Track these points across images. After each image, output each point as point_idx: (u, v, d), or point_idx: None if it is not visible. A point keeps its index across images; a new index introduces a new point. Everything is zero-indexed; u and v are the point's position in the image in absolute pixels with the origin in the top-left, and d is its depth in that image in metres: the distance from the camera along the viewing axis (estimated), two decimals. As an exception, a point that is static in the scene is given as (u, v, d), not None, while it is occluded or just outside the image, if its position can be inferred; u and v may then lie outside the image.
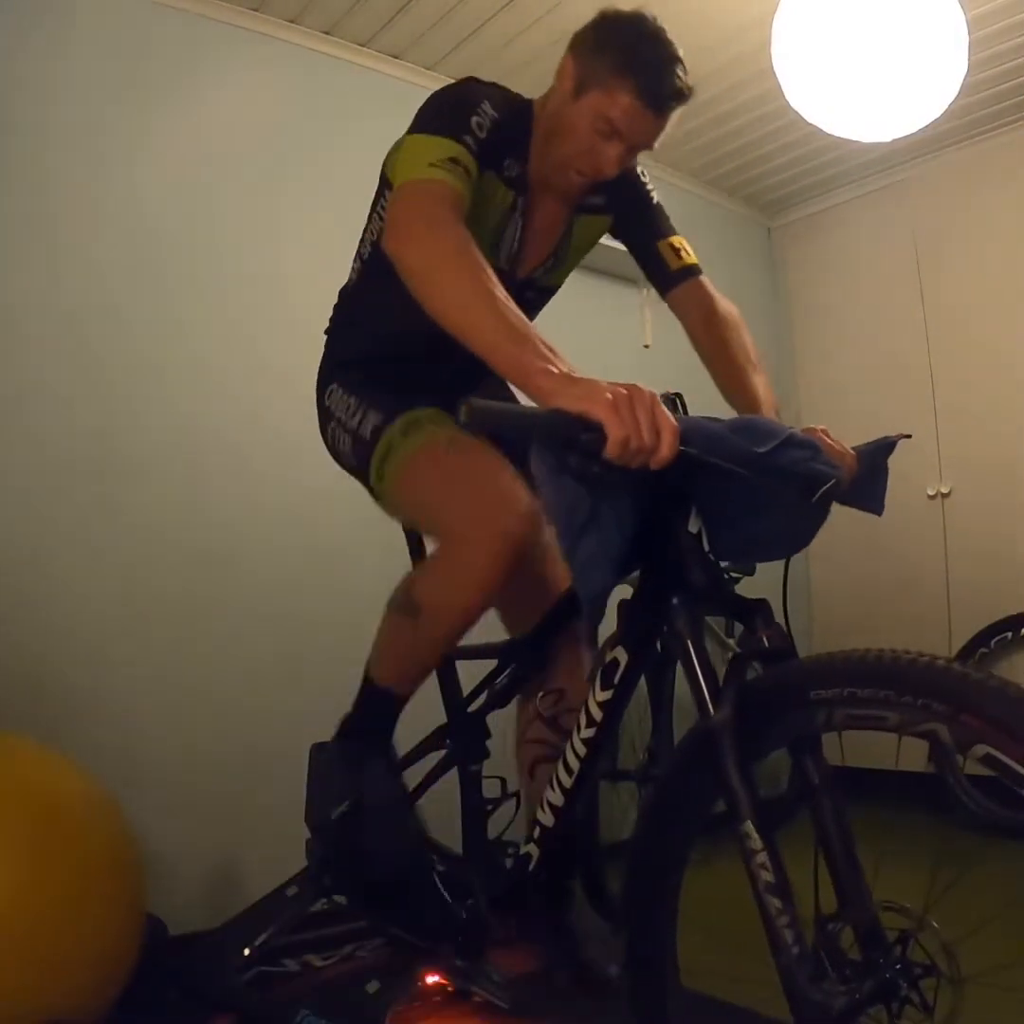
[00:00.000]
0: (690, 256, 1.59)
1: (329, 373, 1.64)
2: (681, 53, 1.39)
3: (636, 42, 1.37)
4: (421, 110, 1.38)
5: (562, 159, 1.44)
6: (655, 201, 1.60)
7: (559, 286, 1.67)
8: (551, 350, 1.06)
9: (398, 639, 1.46)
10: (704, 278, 1.59)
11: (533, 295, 1.61)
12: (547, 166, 1.47)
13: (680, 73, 1.37)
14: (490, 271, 1.16)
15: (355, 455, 1.52)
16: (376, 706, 1.51)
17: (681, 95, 1.38)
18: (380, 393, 1.52)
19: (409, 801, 1.54)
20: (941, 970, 0.90)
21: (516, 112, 1.45)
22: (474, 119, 1.34)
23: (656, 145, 1.44)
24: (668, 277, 1.59)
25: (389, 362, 1.55)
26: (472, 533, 1.30)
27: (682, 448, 0.98)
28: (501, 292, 1.13)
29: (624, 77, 1.35)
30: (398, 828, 1.47)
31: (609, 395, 0.96)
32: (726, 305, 1.58)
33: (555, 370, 1.02)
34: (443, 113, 1.35)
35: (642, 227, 1.60)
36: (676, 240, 1.59)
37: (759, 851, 0.96)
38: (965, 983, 0.88)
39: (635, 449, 0.95)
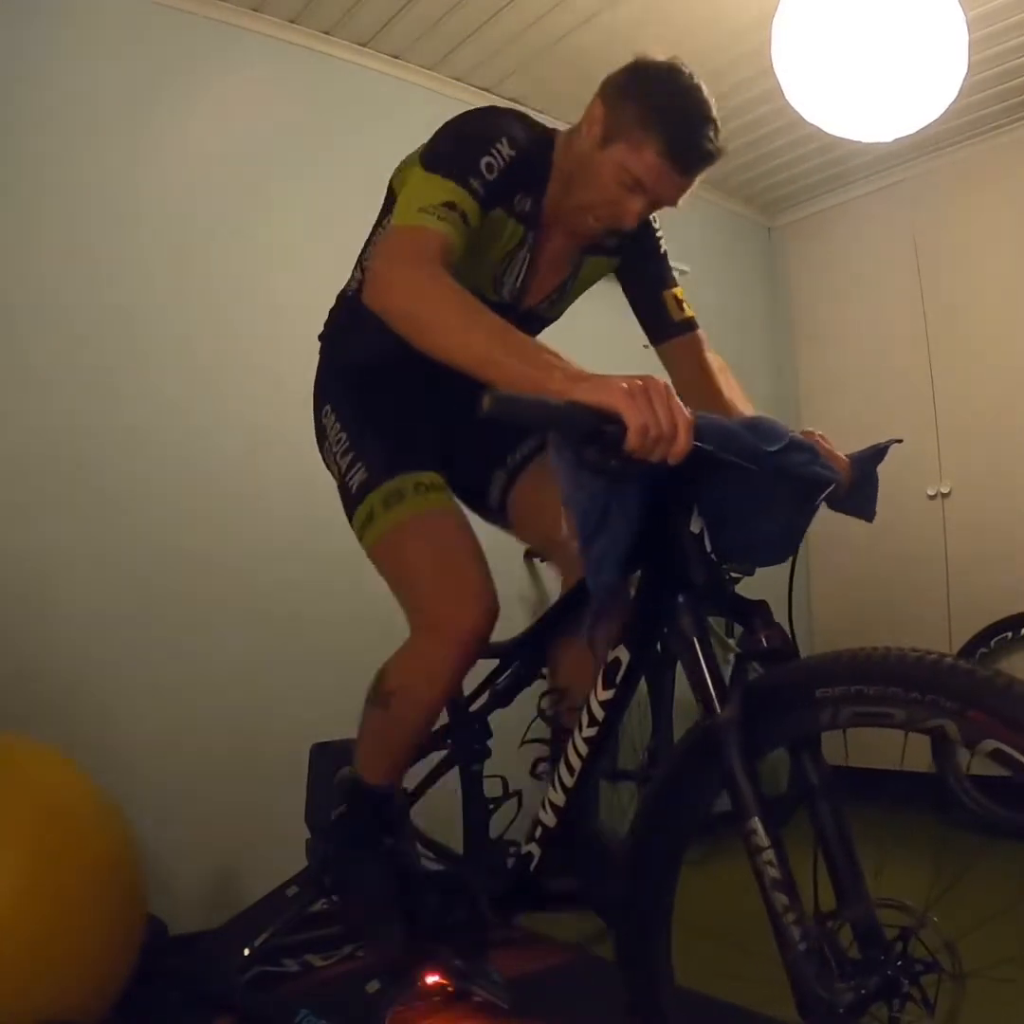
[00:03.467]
0: (690, 309, 1.59)
1: (326, 387, 1.62)
2: (715, 110, 1.37)
3: (669, 97, 1.34)
4: (438, 135, 1.36)
5: (582, 204, 1.42)
6: (663, 250, 1.58)
7: (559, 317, 1.66)
8: (556, 356, 1.07)
9: (374, 728, 1.49)
10: (701, 332, 1.60)
11: (533, 326, 1.60)
12: (565, 207, 1.44)
13: (711, 135, 1.35)
14: (476, 301, 1.16)
15: (342, 494, 1.52)
16: (365, 805, 1.52)
17: (710, 157, 1.36)
18: (370, 438, 1.50)
19: (409, 887, 1.53)
20: (943, 967, 0.90)
21: (536, 147, 1.41)
22: (485, 160, 1.29)
23: (680, 203, 1.42)
24: (669, 327, 1.59)
25: (389, 371, 1.52)
26: (438, 626, 1.36)
27: (697, 443, 0.98)
28: (493, 316, 1.14)
29: (653, 133, 1.32)
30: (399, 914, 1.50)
31: (625, 384, 0.96)
32: (715, 357, 1.60)
33: (564, 371, 1.02)
34: (454, 150, 1.32)
35: (649, 275, 1.59)
36: (679, 291, 1.58)
37: (765, 848, 0.96)
38: (966, 979, 0.89)
39: (654, 438, 0.95)
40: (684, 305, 1.58)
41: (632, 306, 1.63)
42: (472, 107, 1.45)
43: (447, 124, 1.37)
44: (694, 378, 1.58)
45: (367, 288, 1.24)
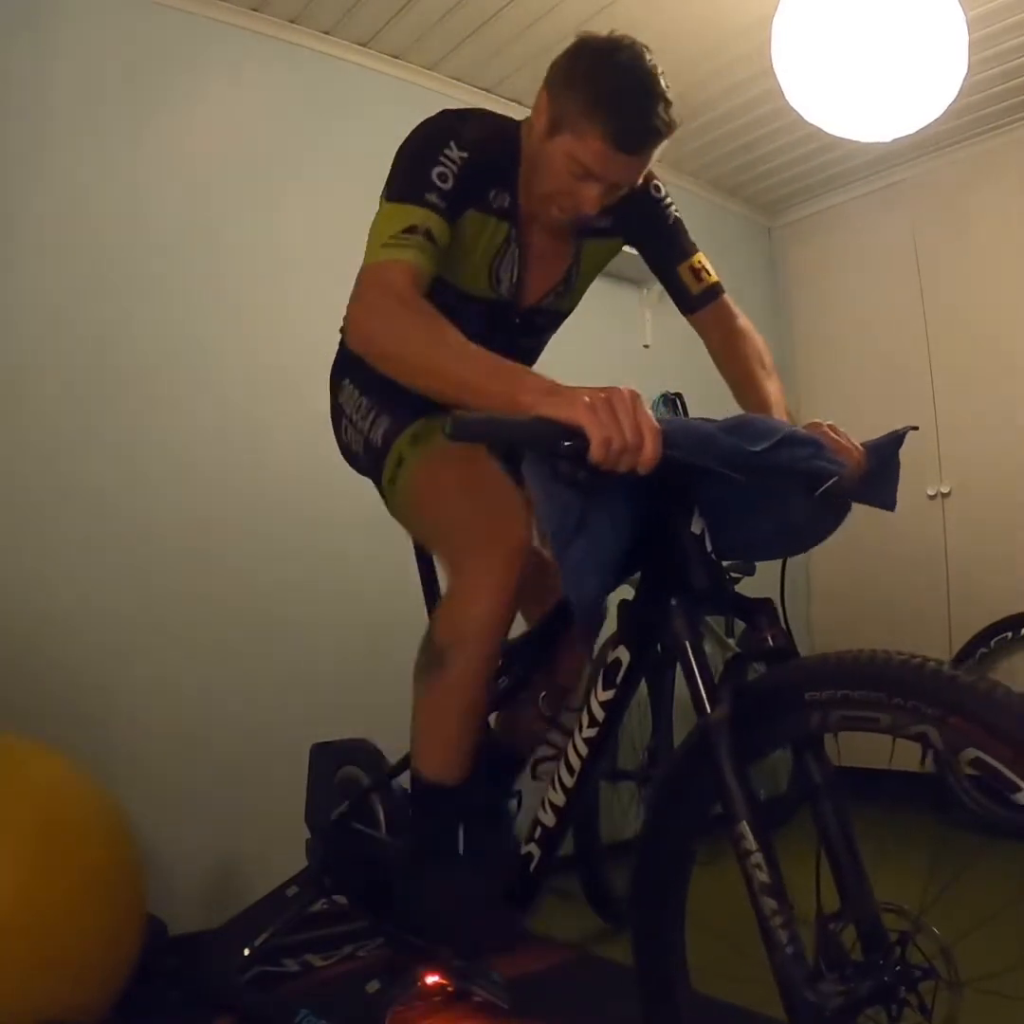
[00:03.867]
0: (710, 276, 1.57)
1: (342, 368, 1.63)
2: (662, 82, 1.31)
3: (609, 79, 1.29)
4: (393, 162, 1.36)
5: (542, 195, 1.40)
6: (672, 219, 1.54)
7: (573, 309, 1.64)
8: (528, 372, 1.09)
9: (433, 707, 1.36)
10: (724, 298, 1.58)
11: (544, 320, 1.60)
12: (532, 197, 1.43)
13: (657, 109, 1.29)
14: (449, 328, 1.17)
15: (367, 458, 1.53)
16: (434, 806, 1.39)
17: (658, 133, 1.31)
18: (391, 395, 1.49)
19: (484, 905, 1.39)
20: (939, 973, 0.90)
21: (497, 140, 1.40)
22: (436, 171, 1.30)
23: (639, 180, 1.40)
24: (691, 301, 1.57)
25: None
26: (482, 549, 1.30)
27: (667, 452, 0.98)
28: (464, 342, 1.15)
29: (593, 120, 1.28)
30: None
31: (587, 398, 0.97)
32: (743, 321, 1.59)
33: (534, 386, 1.03)
34: (403, 173, 1.33)
35: (661, 249, 1.56)
36: (696, 260, 1.56)
37: (754, 852, 0.96)
38: (963, 986, 0.88)
39: (618, 450, 0.96)
40: (702, 273, 1.55)
41: (658, 279, 1.62)
42: (471, 107, 1.45)
43: (400, 147, 1.37)
44: (719, 347, 1.58)
45: (348, 332, 1.27)
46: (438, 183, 1.29)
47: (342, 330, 1.67)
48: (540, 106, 1.36)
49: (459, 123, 1.37)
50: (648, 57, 1.32)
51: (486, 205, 1.41)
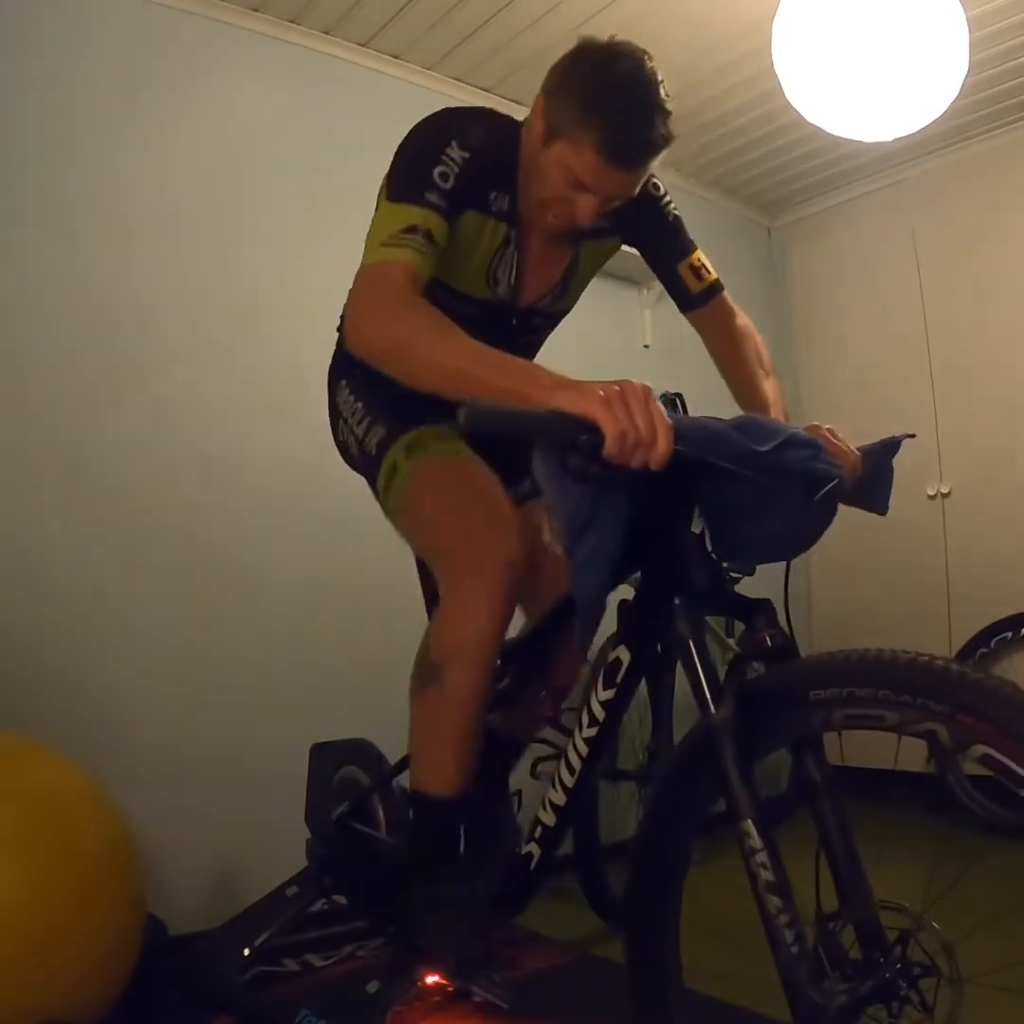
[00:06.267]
0: (710, 274, 1.56)
1: (339, 368, 1.63)
2: (661, 92, 1.27)
3: (606, 89, 1.26)
4: (393, 160, 1.34)
5: (538, 202, 1.39)
6: (671, 218, 1.53)
7: (569, 310, 1.64)
8: (537, 367, 1.08)
9: (431, 722, 1.36)
10: (723, 296, 1.57)
11: (541, 320, 1.60)
12: (528, 202, 1.42)
13: (654, 122, 1.26)
14: (451, 324, 1.16)
15: (362, 463, 1.52)
16: (435, 819, 1.38)
17: (654, 147, 1.28)
18: (386, 402, 1.50)
19: (483, 919, 1.41)
20: (940, 970, 0.90)
21: (499, 141, 1.38)
22: (437, 170, 1.28)
23: (636, 191, 1.38)
24: (691, 299, 1.57)
25: None
26: (475, 566, 1.31)
27: (678, 448, 0.98)
28: (468, 339, 1.13)
29: (587, 131, 1.25)
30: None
31: (602, 392, 0.96)
32: (743, 318, 1.58)
33: (545, 380, 1.02)
34: (404, 171, 1.31)
35: (660, 248, 1.56)
36: (695, 259, 1.55)
37: (759, 850, 0.96)
38: (965, 983, 0.88)
39: (633, 443, 0.95)
40: (702, 272, 1.55)
41: (658, 278, 1.61)
42: (472, 106, 1.45)
43: (400, 144, 1.35)
44: (719, 346, 1.58)
45: (346, 336, 1.25)
46: (439, 182, 1.28)
47: (339, 329, 1.68)
48: (537, 111, 1.34)
49: (461, 122, 1.36)
50: (648, 65, 1.29)
51: (486, 206, 1.40)
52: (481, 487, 1.39)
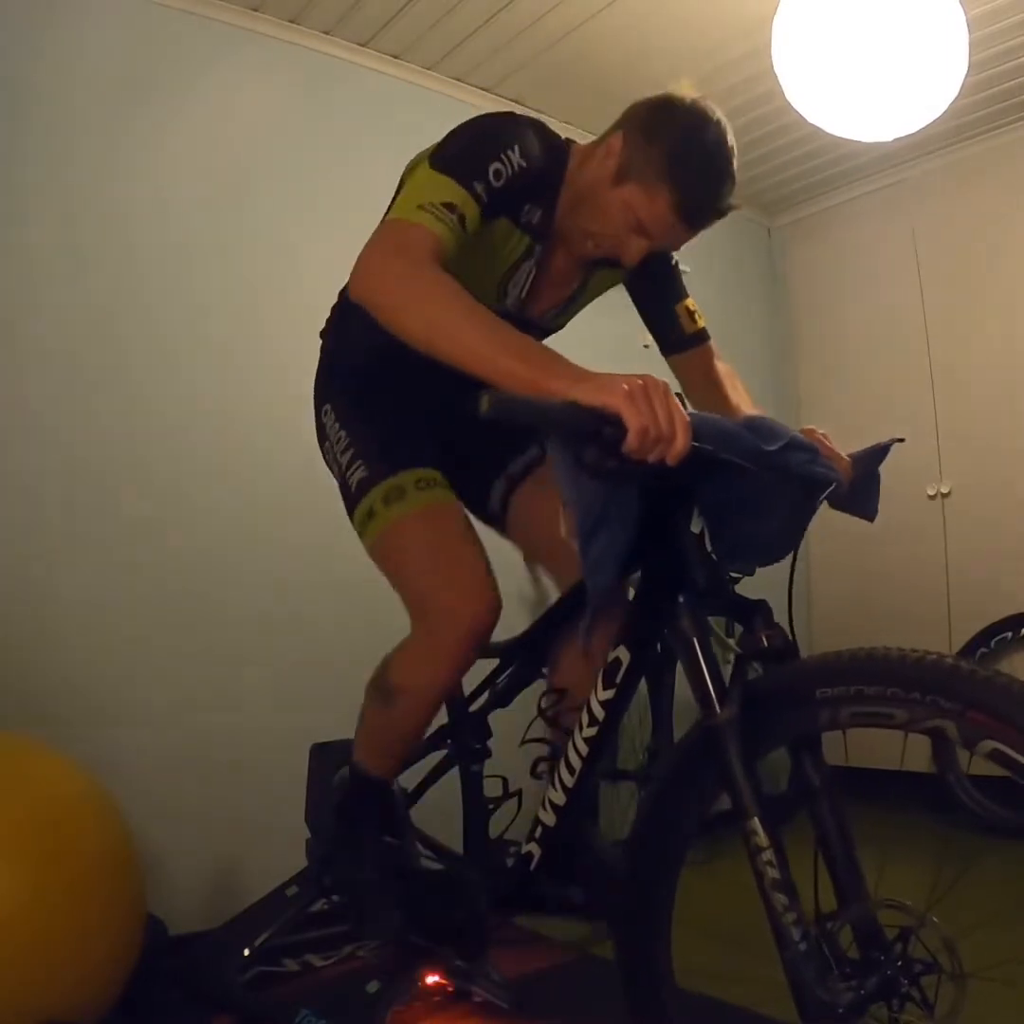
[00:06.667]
0: (701, 319, 1.59)
1: (325, 386, 1.61)
2: (735, 164, 1.34)
3: (691, 148, 1.30)
4: (451, 134, 1.32)
5: (585, 231, 1.39)
6: (675, 261, 1.57)
7: (563, 328, 1.64)
8: (555, 355, 1.06)
9: (377, 724, 1.50)
10: (712, 343, 1.60)
11: (537, 333, 1.58)
12: (570, 227, 1.42)
13: (727, 191, 1.33)
14: (470, 296, 1.12)
15: (342, 491, 1.52)
16: (365, 794, 1.54)
17: (720, 214, 1.35)
18: (369, 437, 1.50)
19: (408, 883, 1.54)
20: (942, 967, 0.90)
21: (549, 158, 1.37)
22: (494, 166, 1.25)
23: (681, 248, 1.42)
24: (681, 340, 1.58)
25: (388, 371, 1.51)
26: (441, 619, 1.36)
27: (695, 444, 0.97)
28: (488, 313, 1.10)
29: (668, 185, 1.28)
30: (397, 904, 1.51)
31: (626, 385, 0.95)
32: (723, 365, 1.60)
33: (563, 371, 1.01)
34: (465, 151, 1.28)
35: (660, 288, 1.58)
36: (690, 302, 1.58)
37: (765, 848, 0.96)
38: (966, 980, 0.88)
39: (654, 439, 0.94)
40: (695, 316, 1.58)
41: (643, 316, 1.62)
42: (472, 107, 1.45)
43: (462, 124, 1.33)
44: (703, 387, 1.59)
45: (353, 277, 1.18)
46: (491, 178, 1.25)
47: (322, 336, 1.67)
48: (612, 149, 1.34)
49: (526, 131, 1.34)
50: (730, 136, 1.34)
51: (517, 217, 1.38)
52: (456, 541, 1.41)
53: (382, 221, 1.38)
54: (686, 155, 1.29)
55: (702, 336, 1.58)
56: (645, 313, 1.62)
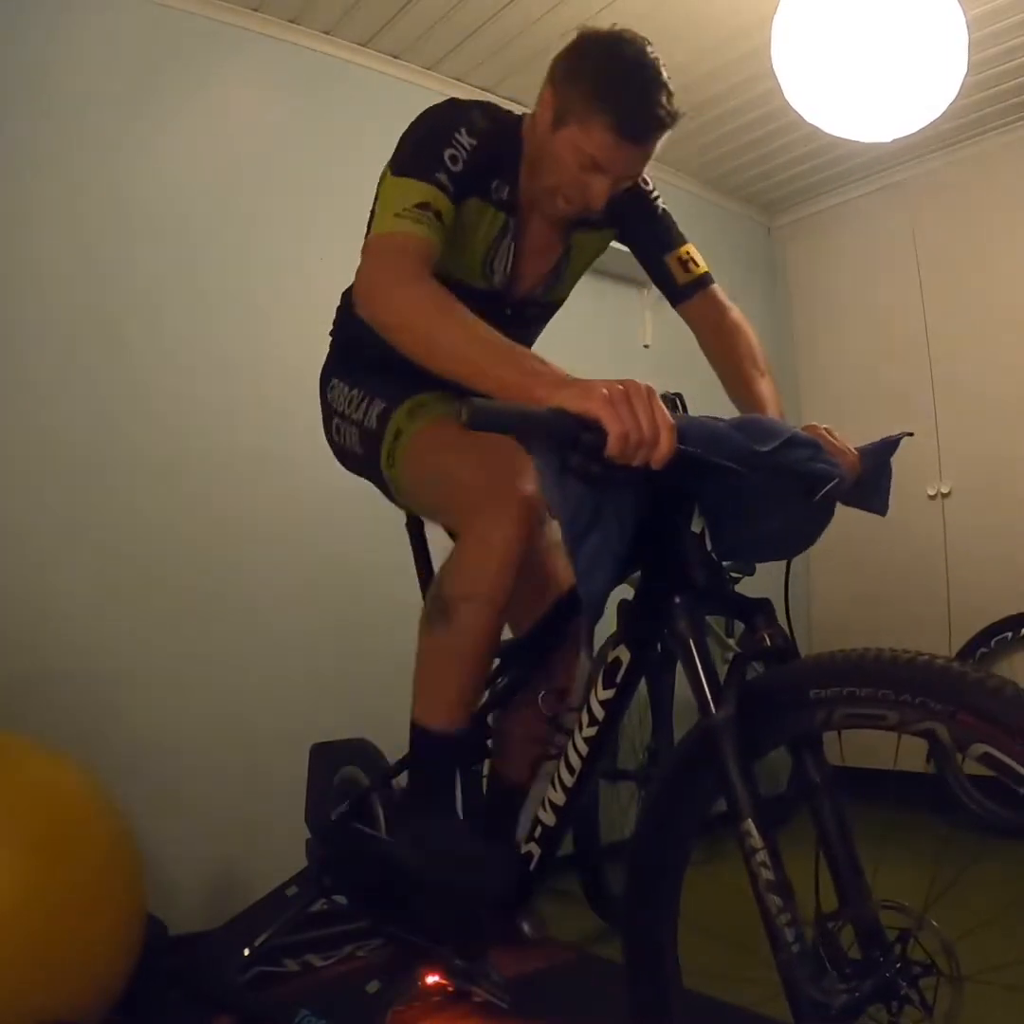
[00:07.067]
0: (699, 267, 1.57)
1: (330, 369, 1.64)
2: (664, 74, 1.33)
3: (611, 70, 1.31)
4: (401, 140, 1.36)
5: (548, 188, 1.42)
6: (660, 211, 1.57)
7: (563, 301, 1.65)
8: (542, 361, 1.08)
9: (437, 657, 1.36)
10: (714, 287, 1.58)
11: (536, 311, 1.60)
12: (537, 192, 1.44)
13: (661, 100, 1.31)
14: (463, 308, 1.16)
15: (363, 445, 1.52)
16: (434, 753, 1.38)
17: (662, 123, 1.33)
18: (382, 380, 1.51)
19: (481, 857, 1.38)
20: (940, 969, 0.90)
21: (502, 133, 1.41)
22: (448, 152, 1.30)
23: (644, 171, 1.42)
24: (677, 292, 1.58)
25: (395, 354, 1.54)
26: (491, 501, 1.29)
27: (680, 447, 0.97)
28: (480, 325, 1.13)
29: (599, 111, 1.30)
30: (466, 883, 1.36)
31: (605, 391, 0.96)
32: (735, 314, 1.58)
33: (550, 376, 1.02)
34: (416, 150, 1.33)
35: (649, 240, 1.58)
36: (684, 251, 1.57)
37: (759, 849, 0.96)
38: (964, 982, 0.88)
39: (635, 444, 0.95)
40: (690, 265, 1.56)
41: (646, 272, 1.62)
42: (475, 99, 1.46)
43: (409, 127, 1.38)
44: (710, 341, 1.57)
45: (356, 300, 1.25)
46: (449, 165, 1.30)
47: (332, 334, 1.67)
48: (544, 101, 1.38)
49: (468, 111, 1.39)
50: (650, 49, 1.34)
51: (487, 195, 1.42)
52: (490, 437, 1.36)
53: (365, 239, 1.40)
54: (608, 79, 1.31)
55: (698, 284, 1.57)
56: (646, 268, 1.62)
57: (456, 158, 1.31)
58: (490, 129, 1.38)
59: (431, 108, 1.42)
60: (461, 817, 1.42)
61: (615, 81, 1.31)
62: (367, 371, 1.55)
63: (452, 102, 1.43)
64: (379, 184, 1.37)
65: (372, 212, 1.44)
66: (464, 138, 1.33)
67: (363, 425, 1.51)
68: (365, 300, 1.24)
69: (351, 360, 1.61)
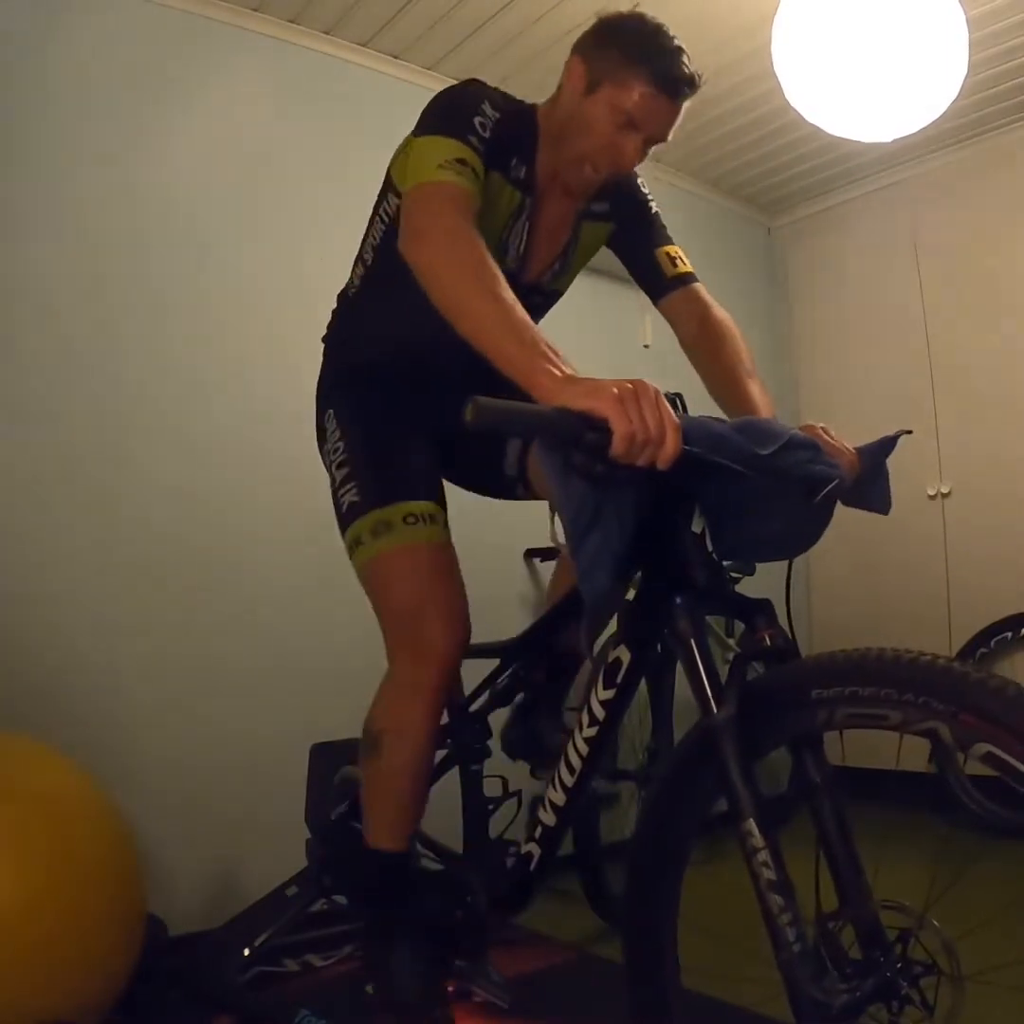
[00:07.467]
0: (686, 265, 1.59)
1: (328, 391, 1.63)
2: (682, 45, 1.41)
3: (642, 35, 1.39)
4: (425, 112, 1.38)
5: (578, 155, 1.43)
6: (654, 210, 1.60)
7: (564, 291, 1.66)
8: (555, 353, 1.06)
9: (373, 783, 1.47)
10: (699, 286, 1.58)
11: (540, 299, 1.61)
12: (560, 164, 1.46)
13: (686, 61, 1.39)
14: (501, 276, 1.16)
15: (334, 504, 1.53)
16: (383, 873, 1.47)
17: (693, 82, 1.39)
18: (367, 458, 1.51)
19: (440, 990, 1.49)
20: (941, 969, 0.90)
21: (518, 114, 1.45)
22: (477, 119, 1.34)
23: (670, 136, 1.44)
24: (663, 284, 1.58)
25: (393, 366, 1.55)
26: (414, 650, 1.39)
27: (686, 448, 0.97)
28: (511, 297, 1.13)
29: (636, 66, 1.36)
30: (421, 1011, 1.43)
31: (615, 390, 0.95)
32: (720, 312, 1.57)
33: (558, 371, 1.01)
34: (447, 114, 1.35)
35: (641, 234, 1.60)
36: (672, 249, 1.59)
37: (761, 849, 0.96)
38: (965, 981, 0.88)
39: (641, 443, 0.94)
40: (678, 261, 1.58)
41: (629, 269, 1.65)
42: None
43: (433, 99, 1.40)
44: (694, 339, 1.57)
45: (403, 240, 1.25)
46: (479, 130, 1.33)
47: (325, 339, 1.68)
48: (574, 71, 1.42)
49: (488, 90, 1.43)
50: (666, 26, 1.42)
51: (507, 172, 1.44)
52: (436, 580, 1.43)
53: (374, 218, 1.40)
54: (641, 40, 1.39)
55: (686, 278, 1.59)
56: (630, 265, 1.64)
57: (484, 125, 1.34)
58: (509, 109, 1.42)
59: (453, 86, 1.45)
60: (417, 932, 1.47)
61: (648, 42, 1.38)
62: (358, 420, 1.55)
63: (472, 81, 1.46)
64: (402, 153, 1.41)
65: (385, 188, 1.48)
66: (489, 109, 1.37)
67: (336, 494, 1.52)
68: (411, 244, 1.23)
69: (348, 380, 1.61)
